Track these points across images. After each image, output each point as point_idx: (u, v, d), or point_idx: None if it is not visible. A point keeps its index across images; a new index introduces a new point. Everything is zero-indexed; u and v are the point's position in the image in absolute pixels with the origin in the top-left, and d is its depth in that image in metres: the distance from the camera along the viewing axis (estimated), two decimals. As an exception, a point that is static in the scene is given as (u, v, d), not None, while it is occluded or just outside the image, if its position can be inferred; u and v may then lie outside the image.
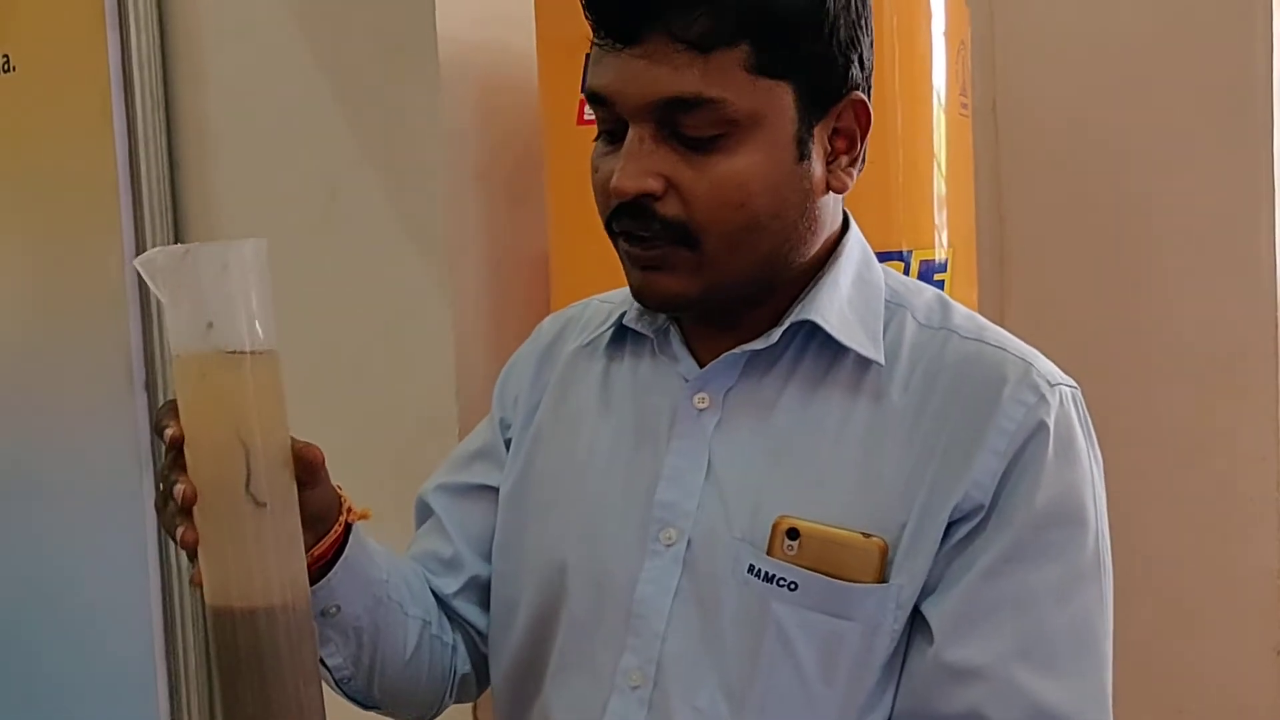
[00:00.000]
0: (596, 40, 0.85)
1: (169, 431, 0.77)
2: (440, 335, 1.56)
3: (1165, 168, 2.16)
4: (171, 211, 1.79)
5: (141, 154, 1.76)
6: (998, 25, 2.28)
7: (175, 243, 1.78)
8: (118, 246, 1.77)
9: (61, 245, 1.89)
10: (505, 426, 1.03)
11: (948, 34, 1.57)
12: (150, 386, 1.78)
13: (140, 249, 1.76)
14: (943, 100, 1.56)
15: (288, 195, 1.69)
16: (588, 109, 1.47)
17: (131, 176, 1.76)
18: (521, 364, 1.06)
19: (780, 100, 0.84)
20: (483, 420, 1.08)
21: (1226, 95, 2.09)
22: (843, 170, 0.89)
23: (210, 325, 0.75)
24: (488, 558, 1.01)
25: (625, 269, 0.88)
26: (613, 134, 0.86)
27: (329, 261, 1.66)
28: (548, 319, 1.09)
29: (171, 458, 0.78)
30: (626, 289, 1.00)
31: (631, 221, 0.84)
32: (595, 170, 0.88)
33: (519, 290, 1.64)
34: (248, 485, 0.76)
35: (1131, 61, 2.17)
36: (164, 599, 1.80)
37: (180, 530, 0.77)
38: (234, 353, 0.75)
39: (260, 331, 0.76)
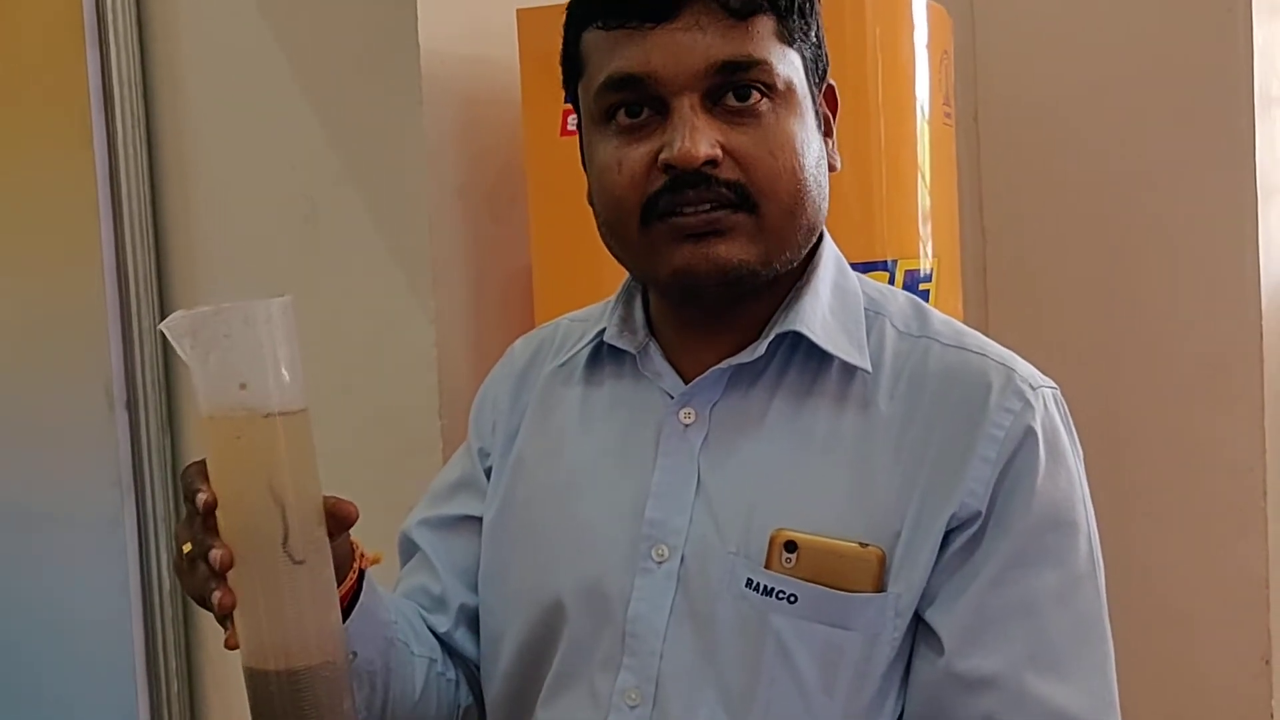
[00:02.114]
0: (613, 27, 0.85)
1: (202, 497, 0.76)
2: (423, 351, 1.55)
3: (1147, 178, 2.17)
4: (152, 230, 1.77)
5: (122, 172, 1.74)
6: (979, 35, 2.29)
7: (155, 261, 1.77)
8: (98, 265, 1.76)
9: (41, 264, 1.87)
10: (484, 455, 1.02)
11: (930, 44, 1.57)
12: (131, 406, 1.77)
13: (120, 268, 1.75)
14: (926, 110, 1.56)
15: (269, 212, 1.68)
16: (570, 121, 1.48)
17: (112, 195, 1.75)
18: (496, 389, 1.05)
19: (799, 70, 0.87)
20: (459, 450, 1.07)
21: (1208, 105, 2.10)
22: (832, 150, 0.92)
23: (243, 386, 0.75)
24: (478, 589, 1.00)
25: (667, 251, 0.86)
26: (632, 124, 0.85)
27: (310, 278, 1.65)
28: (519, 341, 1.08)
29: (201, 522, 0.77)
30: (598, 306, 1.00)
31: (693, 192, 0.83)
32: (617, 163, 0.86)
33: (502, 305, 1.63)
34: (285, 544, 0.76)
35: (1113, 71, 2.18)
36: (145, 623, 1.78)
37: (217, 594, 0.76)
38: (267, 413, 0.75)
39: (291, 389, 0.76)
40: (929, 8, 1.58)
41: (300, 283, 1.65)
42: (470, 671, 1.02)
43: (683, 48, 0.83)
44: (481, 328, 1.61)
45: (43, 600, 1.90)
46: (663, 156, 0.84)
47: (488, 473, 1.02)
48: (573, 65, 0.91)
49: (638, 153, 0.85)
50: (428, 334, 1.55)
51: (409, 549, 1.04)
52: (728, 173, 0.84)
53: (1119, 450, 2.13)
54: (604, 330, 0.96)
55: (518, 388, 1.03)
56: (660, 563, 0.88)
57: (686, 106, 0.83)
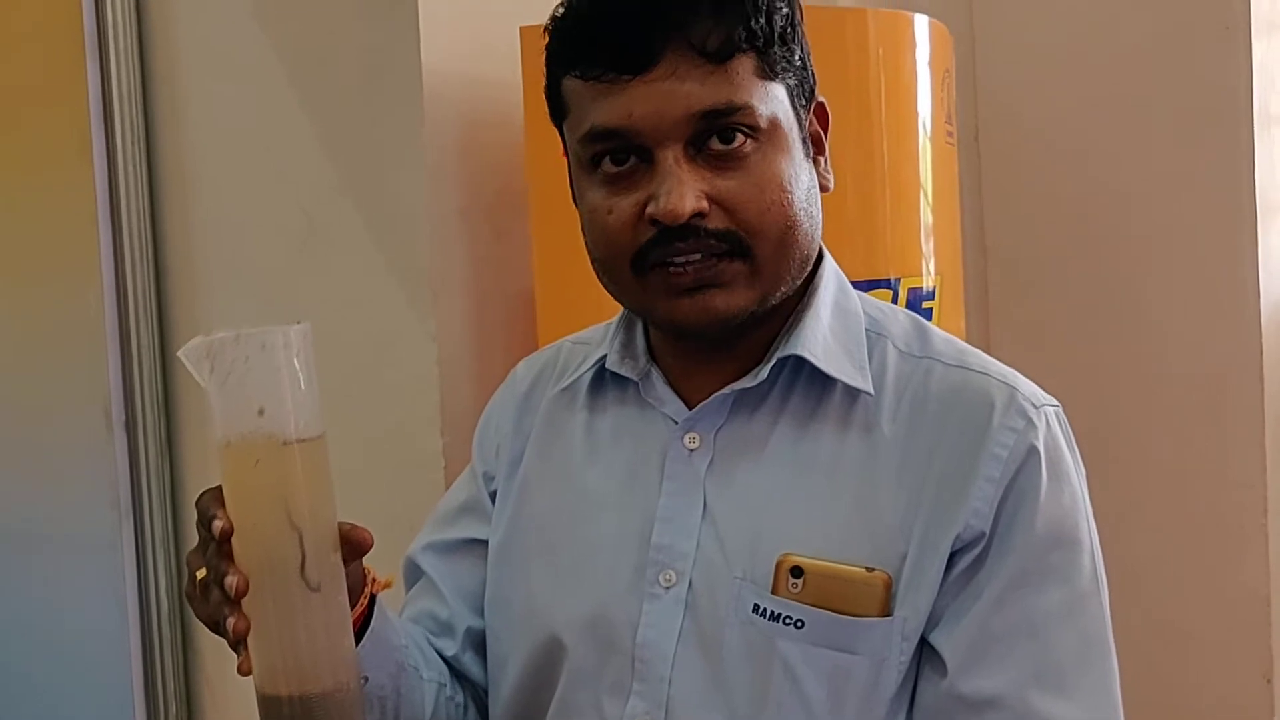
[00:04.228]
0: (594, 77, 0.84)
1: (219, 524, 0.76)
2: (425, 370, 1.54)
3: (1147, 196, 2.18)
4: (151, 246, 1.77)
5: (121, 188, 1.74)
6: (979, 55, 2.29)
7: (155, 279, 1.76)
8: (96, 281, 1.75)
9: (40, 281, 1.86)
10: (489, 479, 1.02)
11: (932, 63, 1.57)
12: (130, 427, 1.75)
13: (120, 286, 1.74)
14: (928, 129, 1.56)
15: (269, 230, 1.68)
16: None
17: (111, 210, 1.74)
18: (499, 413, 1.04)
19: (784, 102, 0.86)
20: (464, 473, 1.06)
21: (1208, 122, 2.11)
22: (824, 170, 0.92)
23: (261, 412, 0.75)
24: (484, 613, 1.00)
25: (663, 301, 0.86)
26: (618, 173, 0.85)
27: (310, 296, 1.64)
28: (521, 364, 1.08)
29: (216, 548, 0.77)
30: (600, 327, 1.00)
31: (683, 244, 0.83)
32: (606, 212, 0.85)
33: (504, 325, 1.63)
34: (302, 571, 0.76)
35: (1113, 89, 2.19)
36: (143, 645, 1.77)
37: (231, 621, 0.76)
38: (284, 441, 0.75)
39: (309, 415, 0.76)
40: (931, 27, 1.58)
41: (300, 301, 1.64)
42: (477, 695, 1.01)
43: (663, 98, 0.82)
44: (483, 346, 1.60)
45: (40, 622, 1.88)
46: (649, 211, 0.83)
47: (493, 496, 1.01)
48: (556, 105, 0.90)
49: (626, 202, 0.84)
50: (429, 352, 1.54)
51: (414, 574, 1.04)
52: (717, 222, 0.83)
53: (1120, 467, 2.14)
54: (605, 356, 0.96)
55: (520, 411, 1.02)
56: (668, 588, 0.88)
57: (670, 159, 0.83)
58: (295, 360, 0.76)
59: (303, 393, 0.76)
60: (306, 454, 0.76)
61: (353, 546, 0.80)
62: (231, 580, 0.75)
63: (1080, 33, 2.22)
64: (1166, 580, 2.18)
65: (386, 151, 1.57)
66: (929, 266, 1.57)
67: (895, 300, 1.49)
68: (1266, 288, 2.11)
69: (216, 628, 0.77)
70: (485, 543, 1.00)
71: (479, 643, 1.00)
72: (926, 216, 1.58)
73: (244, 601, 0.76)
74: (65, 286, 1.81)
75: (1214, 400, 2.15)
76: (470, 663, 1.00)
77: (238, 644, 0.77)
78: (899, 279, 1.50)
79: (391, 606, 1.00)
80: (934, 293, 1.57)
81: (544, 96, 0.91)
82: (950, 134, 1.66)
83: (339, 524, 0.79)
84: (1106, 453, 2.01)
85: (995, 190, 2.32)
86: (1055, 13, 2.25)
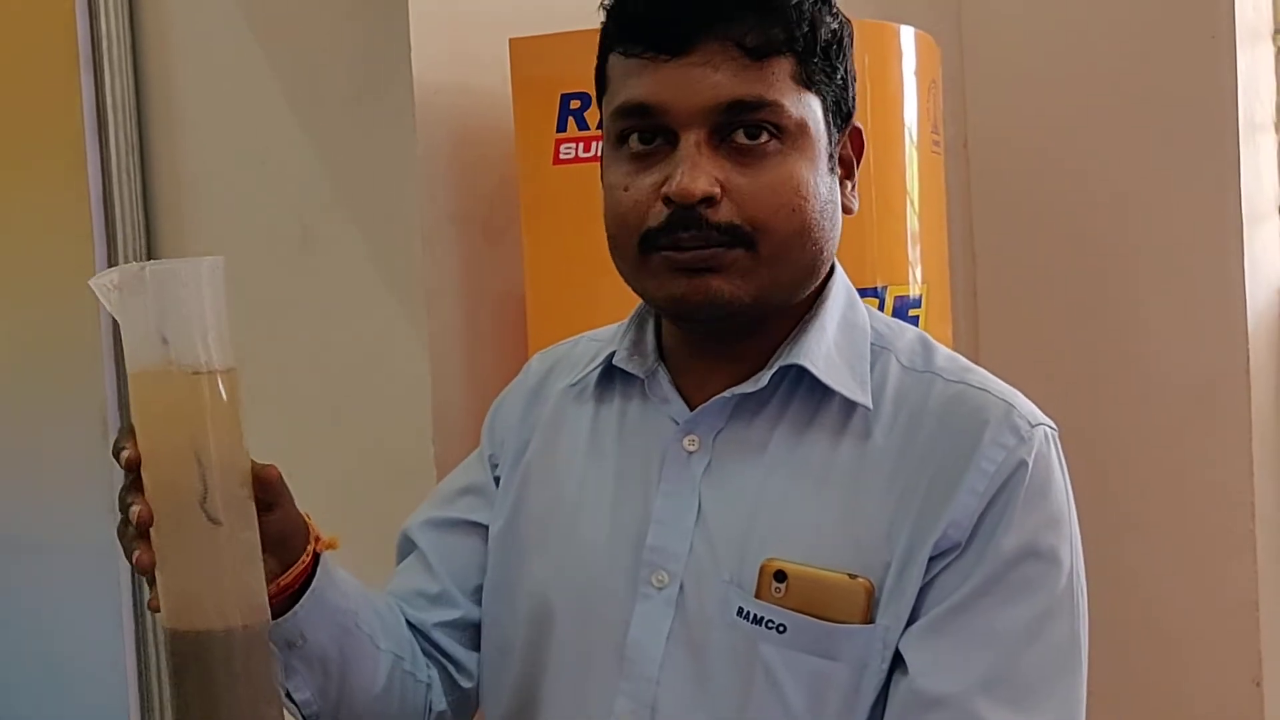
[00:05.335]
0: (633, 54, 0.86)
1: (125, 454, 0.76)
2: (417, 377, 1.56)
3: (1135, 204, 2.19)
4: (146, 255, 1.77)
5: (116, 200, 1.74)
6: (968, 65, 2.31)
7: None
8: (92, 294, 1.76)
9: (34, 293, 1.87)
10: (494, 464, 1.03)
11: (919, 72, 1.59)
12: (125, 432, 1.76)
13: (115, 295, 1.75)
14: (914, 137, 1.58)
15: (263, 239, 1.69)
16: (563, 149, 1.49)
17: (106, 223, 1.75)
18: (509, 402, 1.05)
19: (816, 113, 0.87)
20: (471, 455, 1.07)
21: (1194, 131, 2.12)
22: (849, 193, 0.92)
23: (165, 341, 0.75)
24: (471, 594, 1.00)
25: (664, 279, 0.87)
26: (644, 151, 0.86)
27: (304, 304, 1.65)
28: (536, 357, 1.08)
29: (129, 480, 0.77)
30: (615, 326, 1.01)
31: (685, 235, 0.84)
32: (623, 189, 0.87)
33: (495, 331, 1.64)
34: (203, 502, 0.75)
35: (1099, 98, 2.20)
36: (139, 656, 1.77)
37: (136, 553, 0.76)
38: (191, 370, 0.75)
39: (217, 348, 0.76)
40: (917, 37, 1.59)
41: (294, 309, 1.65)
42: (447, 674, 1.00)
43: (694, 83, 0.84)
44: (475, 353, 1.62)
45: (35, 628, 1.89)
46: (664, 189, 0.85)
47: (497, 481, 1.02)
48: (600, 83, 0.92)
49: (644, 181, 0.86)
50: (422, 359, 1.55)
51: (407, 547, 1.04)
52: (724, 214, 0.84)
53: (1108, 473, 2.15)
54: (614, 353, 0.97)
55: (529, 403, 1.03)
56: (660, 589, 0.89)
57: (692, 142, 0.84)
58: (204, 293, 0.76)
59: (209, 324, 0.76)
60: (212, 385, 0.76)
61: (261, 483, 0.80)
62: (135, 510, 0.75)
63: (1068, 41, 2.24)
64: (1156, 585, 2.19)
65: (379, 160, 1.58)
66: (915, 274, 1.59)
67: (881, 308, 1.50)
68: (1253, 294, 2.12)
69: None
70: (482, 525, 1.01)
71: (463, 624, 1.00)
72: (913, 224, 1.59)
73: (152, 535, 0.76)
74: (61, 295, 1.82)
75: (1201, 406, 2.16)
76: (447, 638, 0.99)
77: (150, 580, 0.77)
78: (885, 287, 1.52)
79: (378, 580, 1.00)
80: (920, 300, 1.58)
81: (594, 78, 0.93)
82: (936, 143, 1.68)
83: (252, 461, 0.79)
84: (1095, 459, 2.02)
85: (984, 197, 2.33)
86: (1043, 22, 2.27)
